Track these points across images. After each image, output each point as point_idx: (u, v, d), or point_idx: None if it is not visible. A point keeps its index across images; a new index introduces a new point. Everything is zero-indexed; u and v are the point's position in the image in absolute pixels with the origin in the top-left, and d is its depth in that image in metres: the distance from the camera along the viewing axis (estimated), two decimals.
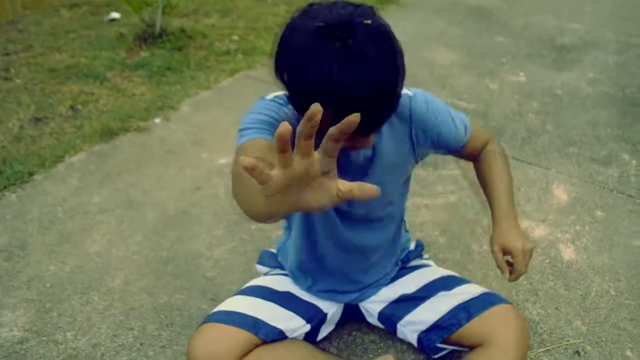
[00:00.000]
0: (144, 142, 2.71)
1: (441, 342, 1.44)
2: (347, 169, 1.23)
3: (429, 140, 1.30)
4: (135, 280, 1.88)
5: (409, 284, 1.53)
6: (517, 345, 1.30)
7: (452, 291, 1.45)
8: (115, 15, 4.49)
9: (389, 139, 1.26)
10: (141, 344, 1.64)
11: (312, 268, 1.48)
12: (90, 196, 2.29)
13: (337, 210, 1.34)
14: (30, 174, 2.42)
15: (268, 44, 4.07)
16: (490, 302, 1.39)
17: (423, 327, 1.46)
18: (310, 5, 0.99)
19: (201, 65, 3.63)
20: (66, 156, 2.55)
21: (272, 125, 1.13)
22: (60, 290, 1.84)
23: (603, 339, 1.71)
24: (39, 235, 2.07)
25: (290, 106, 1.12)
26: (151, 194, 2.32)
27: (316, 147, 0.69)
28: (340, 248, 1.41)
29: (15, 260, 1.96)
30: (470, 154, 1.44)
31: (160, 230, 2.11)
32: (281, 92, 1.19)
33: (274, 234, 2.09)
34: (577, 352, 1.65)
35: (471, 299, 1.41)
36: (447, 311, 1.41)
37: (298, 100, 1.00)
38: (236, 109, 2.96)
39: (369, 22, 0.93)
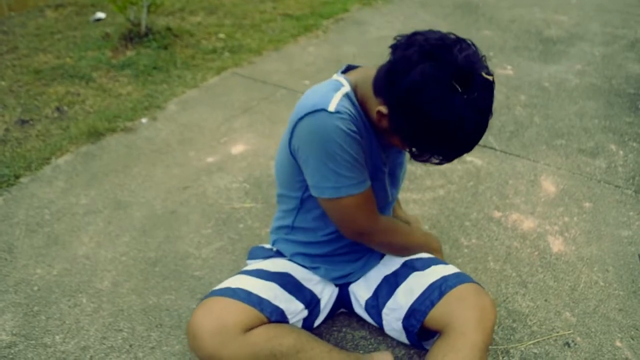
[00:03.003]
0: (130, 142, 2.69)
1: (422, 329, 1.46)
2: (390, 150, 1.39)
3: None
4: (123, 281, 1.87)
5: (390, 264, 1.57)
6: (477, 326, 1.31)
7: (425, 271, 1.48)
8: (100, 15, 4.46)
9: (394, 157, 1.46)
10: (130, 346, 1.63)
11: (322, 253, 1.52)
12: (77, 198, 2.27)
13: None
14: (16, 176, 2.39)
15: (255, 41, 4.06)
16: (455, 282, 1.41)
17: (403, 313, 1.47)
18: (436, 46, 1.07)
19: (188, 64, 3.61)
20: (52, 158, 2.53)
21: (358, 159, 1.24)
22: (48, 293, 1.82)
23: (593, 329, 1.71)
24: (26, 239, 2.05)
25: (347, 111, 1.22)
26: (138, 194, 2.31)
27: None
28: None
29: (1, 264, 1.93)
30: None
31: (148, 231, 2.10)
32: (337, 101, 1.22)
33: (264, 231, 2.09)
34: (567, 344, 1.66)
35: (440, 279, 1.43)
36: (420, 292, 1.43)
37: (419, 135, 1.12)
38: (223, 107, 2.95)
39: (490, 77, 1.08)
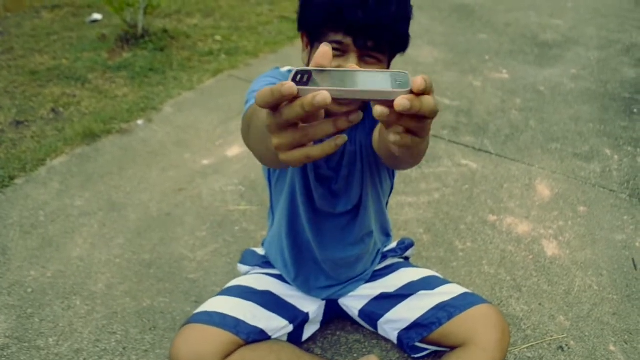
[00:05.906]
0: (126, 144, 2.69)
1: (421, 341, 1.45)
2: (325, 160, 1.31)
3: None
4: (117, 283, 1.86)
5: (389, 283, 1.53)
6: (498, 345, 1.32)
7: (434, 291, 1.46)
8: (96, 16, 4.45)
9: (361, 133, 1.30)
10: (124, 349, 1.63)
11: (295, 255, 1.49)
12: (72, 199, 2.27)
13: (318, 209, 1.38)
14: (11, 178, 2.39)
15: (251, 43, 4.06)
16: (470, 302, 1.40)
17: (403, 326, 1.47)
18: None
19: (184, 66, 3.60)
20: (47, 159, 2.53)
21: None
22: (41, 295, 1.81)
23: (586, 333, 1.72)
24: (20, 240, 2.05)
25: None
26: (133, 196, 2.30)
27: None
28: (320, 239, 1.44)
29: None
30: None
31: (143, 233, 2.10)
32: (281, 70, 1.30)
33: (259, 234, 2.09)
34: (561, 348, 1.66)
35: (452, 299, 1.42)
36: (427, 310, 1.42)
37: (312, 17, 1.15)
38: (219, 110, 2.95)
39: None
